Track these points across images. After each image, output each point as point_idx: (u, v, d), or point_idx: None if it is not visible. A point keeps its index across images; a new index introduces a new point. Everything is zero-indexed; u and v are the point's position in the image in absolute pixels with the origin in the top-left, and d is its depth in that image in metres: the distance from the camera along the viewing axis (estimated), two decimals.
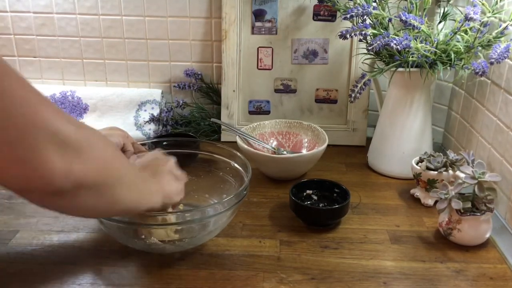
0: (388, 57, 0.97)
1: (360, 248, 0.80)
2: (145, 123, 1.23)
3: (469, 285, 0.72)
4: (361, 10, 0.92)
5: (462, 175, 0.81)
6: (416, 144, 1.02)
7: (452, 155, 0.92)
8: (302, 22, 1.18)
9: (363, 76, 0.98)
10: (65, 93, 1.26)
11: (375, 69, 0.99)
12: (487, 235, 0.80)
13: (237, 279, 0.72)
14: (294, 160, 1.00)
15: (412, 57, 0.91)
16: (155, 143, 0.93)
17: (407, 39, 0.88)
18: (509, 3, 0.89)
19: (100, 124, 1.23)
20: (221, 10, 1.18)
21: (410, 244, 0.81)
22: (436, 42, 0.91)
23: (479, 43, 0.89)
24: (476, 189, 0.78)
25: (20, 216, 0.87)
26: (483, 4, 0.88)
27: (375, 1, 0.97)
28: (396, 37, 0.89)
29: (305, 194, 0.92)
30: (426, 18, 0.94)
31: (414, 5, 0.95)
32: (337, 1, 1.04)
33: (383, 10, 0.96)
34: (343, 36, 0.94)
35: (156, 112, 1.24)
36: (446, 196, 0.79)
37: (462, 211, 0.78)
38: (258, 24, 1.19)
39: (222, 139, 1.22)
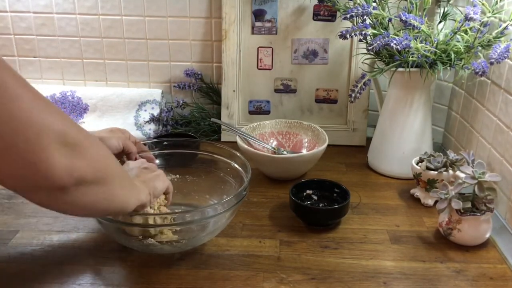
0: (388, 57, 0.97)
1: (360, 248, 0.80)
2: (145, 123, 1.23)
3: (469, 285, 0.72)
4: (361, 10, 0.92)
5: (462, 175, 0.81)
6: (416, 144, 1.02)
7: (452, 155, 0.92)
8: (302, 22, 1.18)
9: (363, 76, 0.98)
10: (65, 93, 1.26)
11: (375, 69, 0.99)
12: (487, 235, 0.80)
13: (237, 279, 0.72)
14: (294, 160, 1.00)
15: (412, 57, 0.91)
16: (155, 143, 0.94)
17: (407, 39, 0.88)
18: (509, 3, 0.89)
19: (100, 124, 1.23)
20: (221, 10, 1.18)
21: (410, 244, 0.81)
22: (436, 42, 0.91)
23: (479, 43, 0.89)
24: (476, 189, 0.78)
25: (20, 216, 0.87)
26: (483, 4, 0.88)
27: (375, 1, 0.97)
28: (396, 37, 0.89)
29: (305, 194, 0.92)
30: (426, 18, 0.94)
31: (414, 5, 0.95)
32: (337, 1, 1.04)
33: (383, 10, 0.96)
34: (343, 36, 0.94)
35: (156, 112, 1.24)
36: (446, 196, 0.79)
37: (462, 211, 0.78)
38: (258, 24, 1.19)
39: (222, 139, 1.22)
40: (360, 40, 0.99)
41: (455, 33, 0.90)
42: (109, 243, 0.79)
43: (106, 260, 0.76)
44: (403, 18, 0.89)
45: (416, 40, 0.90)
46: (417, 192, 0.95)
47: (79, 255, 0.78)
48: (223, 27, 1.18)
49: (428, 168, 0.91)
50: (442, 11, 1.02)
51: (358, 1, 0.96)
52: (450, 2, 1.03)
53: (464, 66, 0.90)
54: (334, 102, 1.23)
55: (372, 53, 0.95)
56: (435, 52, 0.91)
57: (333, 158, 1.12)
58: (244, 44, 1.20)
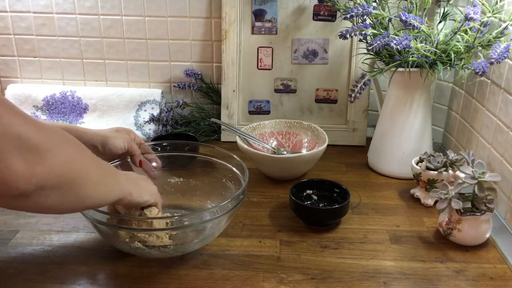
0: (388, 57, 0.97)
1: (360, 248, 0.80)
2: (145, 123, 1.23)
3: (469, 285, 0.72)
4: (361, 10, 0.92)
5: (462, 175, 0.81)
6: (416, 144, 1.02)
7: (452, 155, 0.92)
8: (302, 22, 1.18)
9: (363, 76, 0.98)
10: (65, 93, 1.26)
11: (375, 69, 0.99)
12: (487, 235, 0.80)
13: (237, 279, 0.72)
14: (294, 160, 1.00)
15: (412, 57, 0.91)
16: (154, 145, 0.93)
17: (407, 39, 0.88)
18: (509, 3, 0.89)
19: (100, 124, 1.23)
20: (221, 10, 1.18)
21: (410, 244, 0.81)
22: (436, 42, 0.91)
23: (479, 43, 0.89)
24: (476, 189, 0.78)
25: (20, 216, 0.87)
26: (483, 4, 0.88)
27: (375, 1, 0.97)
28: (396, 37, 0.89)
29: (305, 194, 0.92)
30: (426, 18, 0.93)
31: (414, 5, 0.95)
32: (337, 1, 1.04)
33: (383, 10, 0.96)
34: (343, 36, 0.94)
35: (156, 112, 1.24)
36: (446, 196, 0.79)
37: (462, 211, 0.78)
38: (258, 24, 1.19)
39: (222, 139, 1.22)
40: (360, 40, 0.99)
41: (455, 33, 0.90)
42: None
43: (106, 260, 0.76)
44: (403, 18, 0.89)
45: (416, 40, 0.90)
46: (417, 192, 0.95)
47: (79, 255, 0.77)
48: (223, 27, 1.18)
49: (428, 168, 0.91)
50: (442, 11, 1.02)
51: (358, 1, 0.96)
52: (450, 2, 1.03)
53: (464, 66, 0.90)
54: (334, 102, 1.23)
55: (372, 53, 0.95)
56: (435, 52, 0.91)
57: (333, 158, 1.12)
58: (244, 44, 1.20)
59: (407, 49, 0.90)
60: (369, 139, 1.15)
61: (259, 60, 1.21)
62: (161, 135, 1.18)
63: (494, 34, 0.89)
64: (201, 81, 1.28)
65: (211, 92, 1.28)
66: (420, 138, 1.02)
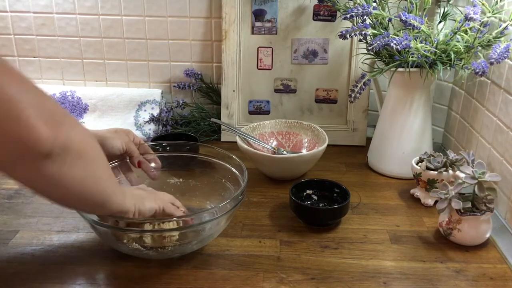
0: (388, 57, 0.97)
1: (360, 248, 0.80)
2: (145, 123, 1.23)
3: (469, 285, 0.72)
4: (361, 10, 0.92)
5: (462, 175, 0.81)
6: (416, 144, 1.02)
7: (452, 155, 0.92)
8: (302, 22, 1.18)
9: (363, 76, 0.98)
10: (65, 93, 1.26)
11: (375, 69, 0.99)
12: (487, 235, 0.80)
13: (237, 279, 0.72)
14: (294, 160, 1.00)
15: (412, 57, 0.91)
16: (153, 145, 0.93)
17: (407, 39, 0.88)
18: (509, 3, 0.89)
19: (100, 124, 1.23)
20: (221, 10, 1.18)
21: (410, 244, 0.81)
22: (436, 42, 0.91)
23: (479, 43, 0.89)
24: (476, 189, 0.78)
25: (20, 216, 0.87)
26: (483, 4, 0.88)
27: (375, 1, 0.97)
28: (396, 37, 0.89)
29: (305, 194, 0.92)
30: (426, 18, 0.93)
31: (414, 5, 0.95)
32: (337, 1, 1.04)
33: (383, 10, 0.96)
34: (343, 36, 0.94)
35: (156, 112, 1.24)
36: (446, 196, 0.79)
37: (462, 211, 0.78)
38: (258, 24, 1.19)
39: (222, 139, 1.22)
40: (360, 40, 0.99)
41: (455, 33, 0.90)
42: None
43: (106, 260, 0.76)
44: (403, 18, 0.89)
45: (416, 40, 0.90)
46: (417, 192, 0.95)
47: (79, 255, 0.77)
48: (223, 27, 1.18)
49: (428, 168, 0.91)
50: (442, 11, 1.02)
51: (358, 1, 0.96)
52: (450, 2, 1.03)
53: (464, 66, 0.90)
54: (334, 102, 1.23)
55: (372, 53, 0.95)
56: (435, 52, 0.91)
57: (333, 158, 1.12)
58: (244, 44, 1.20)
59: (407, 49, 0.90)
60: (369, 139, 1.15)
61: (259, 60, 1.21)
62: (161, 135, 1.18)
63: (494, 34, 0.89)
64: (201, 81, 1.27)
65: (211, 92, 1.28)
66: (420, 138, 1.02)
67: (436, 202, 0.87)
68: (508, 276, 0.74)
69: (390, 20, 0.96)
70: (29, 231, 0.83)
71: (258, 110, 1.24)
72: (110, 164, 0.83)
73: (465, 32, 0.90)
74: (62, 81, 1.31)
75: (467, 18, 0.86)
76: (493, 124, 0.92)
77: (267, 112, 1.25)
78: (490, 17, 0.88)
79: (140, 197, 0.69)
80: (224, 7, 1.17)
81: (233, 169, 0.85)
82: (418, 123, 1.01)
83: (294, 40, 1.19)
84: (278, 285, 0.71)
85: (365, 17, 0.94)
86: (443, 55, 0.91)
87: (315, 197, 0.92)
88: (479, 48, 0.90)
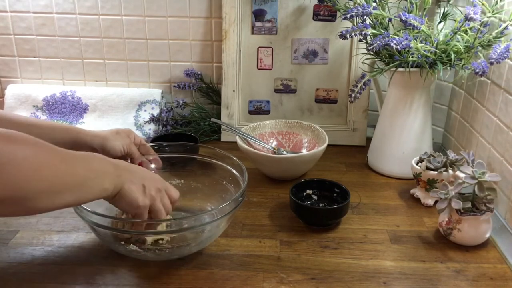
0: (388, 57, 0.97)
1: (360, 248, 0.80)
2: (145, 123, 1.23)
3: (469, 285, 0.72)
4: (361, 10, 0.92)
5: (462, 175, 0.81)
6: (416, 144, 1.02)
7: (452, 155, 0.92)
8: (302, 22, 1.18)
9: (363, 76, 0.98)
10: (65, 93, 1.26)
11: (375, 69, 0.99)
12: (487, 235, 0.80)
13: (237, 279, 0.72)
14: (294, 160, 1.00)
15: (412, 57, 0.91)
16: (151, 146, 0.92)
17: (407, 39, 0.88)
18: (509, 3, 0.89)
19: (100, 124, 1.23)
20: (221, 10, 1.18)
21: (410, 244, 0.81)
22: (436, 42, 0.91)
23: (479, 43, 0.89)
24: (476, 189, 0.78)
25: (20, 216, 0.87)
26: (483, 4, 0.88)
27: (375, 1, 0.97)
28: (396, 37, 0.89)
29: (305, 194, 0.92)
30: (426, 18, 0.93)
31: (414, 5, 0.95)
32: (337, 1, 1.04)
33: (383, 10, 0.96)
34: (343, 36, 0.94)
35: (156, 112, 1.24)
36: (446, 196, 0.79)
37: (462, 211, 0.78)
38: (258, 24, 1.19)
39: (222, 139, 1.22)
40: (360, 40, 0.99)
41: (455, 33, 0.90)
42: None
43: (106, 260, 0.76)
44: (403, 18, 0.89)
45: (416, 40, 0.90)
46: (417, 192, 0.95)
47: (79, 255, 0.78)
48: (223, 27, 1.18)
49: (428, 168, 0.91)
50: (442, 11, 1.02)
51: (358, 1, 0.96)
52: (450, 2, 1.03)
53: (464, 66, 0.90)
54: (334, 102, 1.23)
55: (372, 53, 0.95)
56: (435, 52, 0.91)
57: (333, 158, 1.12)
58: (244, 44, 1.20)
59: (407, 49, 0.90)
60: (369, 139, 1.15)
61: (259, 60, 1.21)
62: (161, 135, 1.18)
63: (494, 34, 0.89)
64: (201, 81, 1.27)
65: (211, 92, 1.28)
66: (420, 138, 1.02)
67: (436, 202, 0.87)
68: (508, 276, 0.74)
69: (390, 20, 0.96)
70: (29, 231, 0.83)
71: (258, 110, 1.24)
72: None
73: (465, 32, 0.90)
74: (62, 81, 1.31)
75: (467, 18, 0.86)
76: (493, 124, 0.92)
77: (267, 112, 1.25)
78: (490, 17, 0.88)
79: (133, 172, 0.67)
80: (224, 7, 1.17)
81: (234, 171, 0.85)
82: (418, 123, 1.01)
83: (294, 40, 1.19)
84: (278, 285, 0.71)
85: (365, 17, 0.94)
86: (443, 55, 0.91)
87: (315, 197, 0.92)
88: (479, 48, 0.90)
